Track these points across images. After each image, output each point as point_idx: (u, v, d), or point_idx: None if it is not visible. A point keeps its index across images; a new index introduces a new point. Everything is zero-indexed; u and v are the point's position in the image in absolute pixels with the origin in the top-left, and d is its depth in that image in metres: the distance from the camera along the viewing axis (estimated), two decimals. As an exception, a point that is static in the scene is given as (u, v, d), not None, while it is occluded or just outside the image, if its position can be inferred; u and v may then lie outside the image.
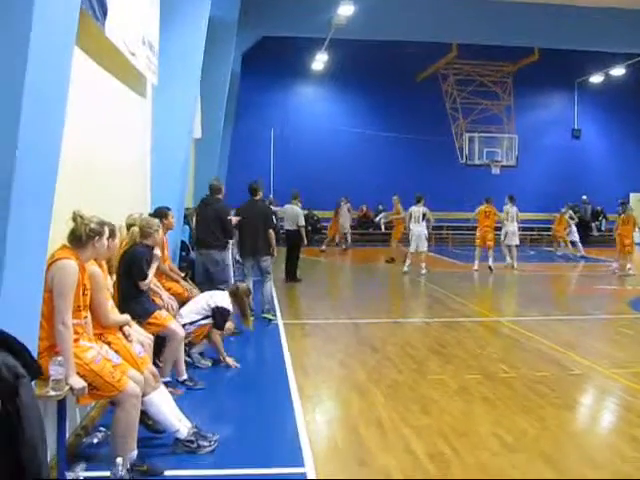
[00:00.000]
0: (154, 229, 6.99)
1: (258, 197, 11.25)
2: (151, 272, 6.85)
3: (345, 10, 19.17)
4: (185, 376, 6.96)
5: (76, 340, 4.39)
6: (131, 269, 6.65)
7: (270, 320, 10.67)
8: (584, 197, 29.86)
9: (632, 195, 30.73)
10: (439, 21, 21.69)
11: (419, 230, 17.61)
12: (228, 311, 7.94)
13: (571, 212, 23.35)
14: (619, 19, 21.82)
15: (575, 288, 15.56)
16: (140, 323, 6.28)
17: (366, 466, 5.03)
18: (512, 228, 18.93)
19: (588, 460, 5.26)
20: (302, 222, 15.34)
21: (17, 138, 3.27)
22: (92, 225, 4.58)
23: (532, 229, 28.85)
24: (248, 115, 26.45)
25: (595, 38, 22.86)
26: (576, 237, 22.80)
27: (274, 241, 10.91)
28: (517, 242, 19.12)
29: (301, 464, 5.01)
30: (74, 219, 4.55)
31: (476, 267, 17.95)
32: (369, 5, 19.76)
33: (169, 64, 9.65)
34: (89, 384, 4.33)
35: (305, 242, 15.33)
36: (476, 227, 18.87)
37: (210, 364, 7.88)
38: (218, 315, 7.80)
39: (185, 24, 10.13)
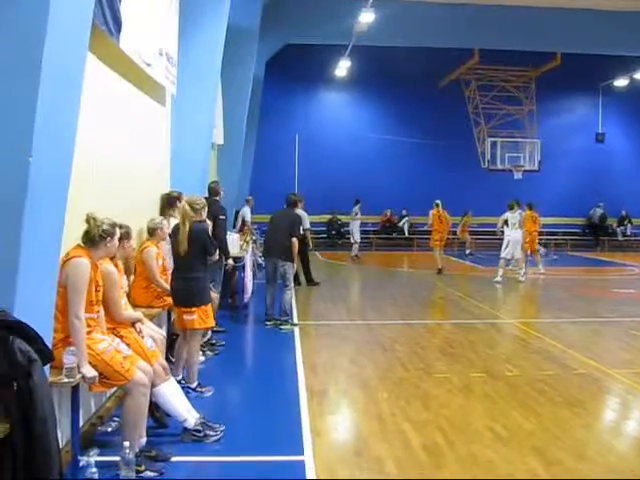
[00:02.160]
0: (201, 205, 7.16)
1: (293, 208, 11.64)
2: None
3: (366, 17, 19.42)
4: (196, 382, 6.99)
5: (89, 332, 4.73)
6: (197, 247, 6.83)
7: (285, 331, 10.53)
8: (600, 204, 29.95)
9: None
10: (460, 27, 21.97)
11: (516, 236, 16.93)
12: None
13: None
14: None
15: (592, 291, 15.64)
16: (192, 305, 6.72)
17: (362, 456, 5.31)
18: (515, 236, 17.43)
19: (579, 455, 5.46)
20: (307, 225, 15.56)
21: (31, 145, 3.60)
22: (104, 227, 4.92)
23: (556, 233, 28.87)
24: (272, 121, 26.81)
25: (618, 42, 22.98)
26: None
27: (295, 249, 11.09)
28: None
29: (301, 452, 5.31)
30: (87, 221, 4.91)
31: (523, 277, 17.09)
32: (390, 12, 20.04)
33: (188, 73, 10.02)
34: (100, 373, 4.68)
35: (310, 246, 15.50)
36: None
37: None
38: None
39: (204, 33, 10.47)
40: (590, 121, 30.84)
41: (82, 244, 4.89)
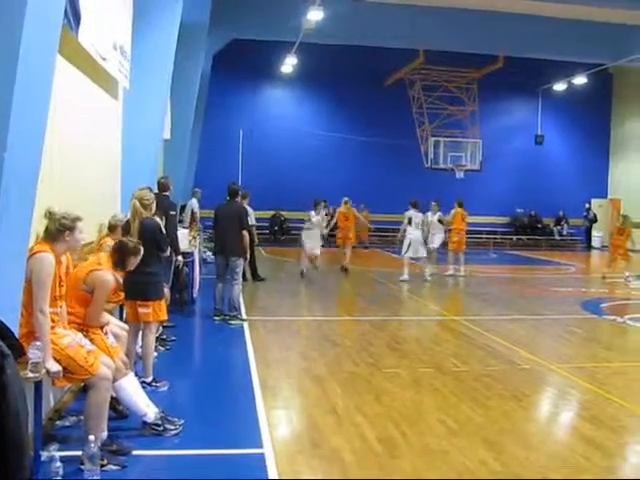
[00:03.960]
0: (150, 201, 7.26)
1: (237, 199, 11.50)
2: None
3: (314, 15, 19.57)
4: (151, 377, 7.01)
5: (52, 327, 4.75)
6: (148, 243, 6.70)
7: (233, 326, 10.63)
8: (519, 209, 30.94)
9: (593, 201, 31.57)
10: (407, 28, 22.30)
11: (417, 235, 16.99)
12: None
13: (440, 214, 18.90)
14: (582, 30, 22.69)
15: (531, 290, 16.07)
16: (148, 300, 6.80)
17: (319, 448, 5.44)
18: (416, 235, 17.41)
19: (526, 445, 5.73)
20: (253, 221, 15.57)
21: (6, 141, 3.62)
22: (62, 221, 4.91)
23: (495, 232, 29.54)
24: (217, 115, 26.71)
25: (558, 47, 23.68)
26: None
27: (247, 242, 11.17)
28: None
29: (260, 445, 5.41)
30: (45, 216, 4.91)
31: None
32: (338, 11, 20.25)
33: (140, 67, 9.98)
34: (64, 368, 4.71)
35: (256, 242, 15.43)
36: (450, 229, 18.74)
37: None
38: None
39: (157, 28, 10.48)
40: (530, 123, 31.59)
41: (44, 239, 4.89)
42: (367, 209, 25.42)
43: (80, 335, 5.09)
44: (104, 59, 7.94)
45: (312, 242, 17.12)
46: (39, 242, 4.85)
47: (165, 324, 9.80)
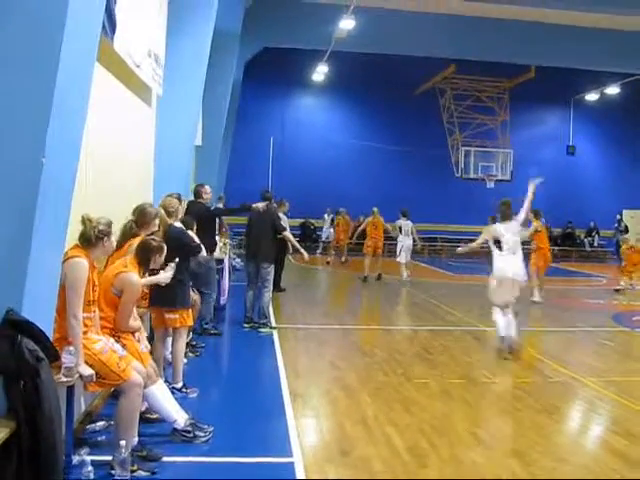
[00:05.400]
0: (175, 207, 7.33)
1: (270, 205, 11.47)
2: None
3: (346, 24, 19.64)
4: (181, 383, 7.03)
5: (85, 332, 4.78)
6: (174, 251, 6.59)
7: (264, 334, 10.62)
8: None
9: (625, 212, 31.18)
10: (438, 37, 22.28)
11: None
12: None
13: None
14: (614, 40, 22.47)
15: (563, 301, 15.90)
16: (174, 307, 6.79)
17: (348, 457, 5.42)
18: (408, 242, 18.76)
19: (555, 457, 5.66)
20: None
21: (44, 146, 3.67)
22: (100, 227, 4.94)
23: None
24: (248, 123, 26.86)
25: (591, 57, 23.53)
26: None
27: (293, 241, 11.59)
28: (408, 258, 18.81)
29: (289, 454, 5.41)
30: (83, 222, 4.92)
31: None
32: (370, 20, 20.28)
33: (174, 74, 10.07)
34: (96, 373, 4.74)
35: (291, 250, 15.38)
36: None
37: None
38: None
39: (190, 36, 10.56)
40: (561, 133, 31.37)
41: (79, 244, 4.93)
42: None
43: (112, 340, 5.12)
44: (138, 66, 8.01)
45: None
46: (73, 247, 4.89)
47: (213, 332, 9.94)
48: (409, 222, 18.79)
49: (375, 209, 19.38)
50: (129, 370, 4.91)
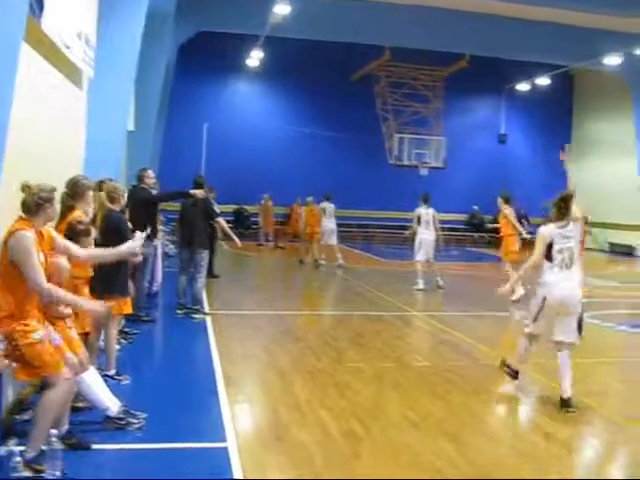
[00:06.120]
0: (120, 193, 7.18)
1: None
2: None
3: (281, 9, 19.52)
4: (114, 371, 6.95)
5: (26, 317, 4.64)
6: (111, 239, 6.35)
7: (197, 320, 10.57)
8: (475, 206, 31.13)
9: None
10: (374, 24, 22.38)
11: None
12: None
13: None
14: (545, 32, 22.93)
15: (493, 287, 16.18)
16: (108, 297, 6.50)
17: (283, 441, 5.45)
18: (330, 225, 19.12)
19: (488, 437, 5.83)
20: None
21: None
22: (41, 194, 4.76)
23: (457, 229, 29.77)
24: (182, 108, 26.45)
25: (522, 48, 24.01)
26: None
27: (227, 228, 11.56)
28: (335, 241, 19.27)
29: (223, 439, 5.41)
30: (23, 190, 4.74)
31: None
32: (306, 5, 20.20)
33: (105, 57, 9.87)
34: (28, 362, 4.61)
35: (220, 237, 15.31)
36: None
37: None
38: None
39: (122, 18, 10.35)
40: (493, 122, 31.93)
41: (23, 215, 4.74)
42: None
43: (51, 329, 4.94)
44: (68, 47, 7.84)
45: None
46: (17, 220, 4.71)
47: (145, 319, 9.83)
48: (332, 205, 19.21)
49: (310, 198, 19.77)
50: (61, 364, 4.77)
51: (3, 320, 4.57)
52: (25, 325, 4.64)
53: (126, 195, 7.60)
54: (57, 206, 5.04)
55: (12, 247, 4.55)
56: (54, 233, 5.09)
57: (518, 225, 14.36)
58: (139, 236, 5.86)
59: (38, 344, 4.65)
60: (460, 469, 5.05)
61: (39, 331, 4.71)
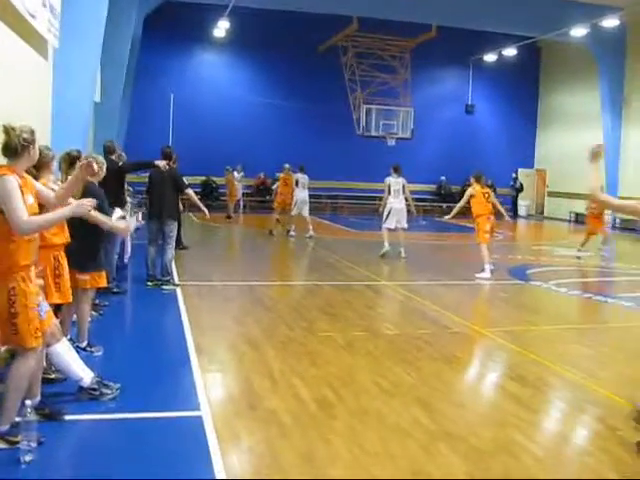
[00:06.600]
0: (99, 166, 7.05)
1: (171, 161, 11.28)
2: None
3: (248, -22, 19.35)
4: (86, 342, 6.95)
5: (27, 270, 4.58)
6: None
7: (167, 291, 10.56)
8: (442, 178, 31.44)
9: (520, 170, 32.31)
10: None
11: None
12: None
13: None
14: (512, 3, 23.03)
15: (461, 256, 16.40)
16: (82, 270, 6.55)
17: (256, 410, 5.51)
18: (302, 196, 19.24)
19: (456, 403, 5.95)
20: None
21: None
22: (24, 135, 4.61)
23: (425, 200, 29.94)
24: (149, 80, 26.15)
25: (490, 19, 24.12)
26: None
27: (196, 200, 11.33)
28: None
29: (197, 408, 5.46)
30: (6, 132, 4.58)
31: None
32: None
33: (70, 27, 9.73)
34: (13, 326, 4.52)
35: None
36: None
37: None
38: None
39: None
40: (461, 93, 32.04)
41: (6, 161, 4.61)
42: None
43: (42, 297, 4.91)
44: (33, 16, 7.71)
45: None
46: None
47: (116, 291, 9.82)
48: (306, 176, 19.27)
49: (287, 165, 19.91)
50: (40, 338, 4.74)
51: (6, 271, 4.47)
52: (27, 283, 4.56)
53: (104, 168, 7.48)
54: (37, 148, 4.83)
55: None
56: (34, 181, 4.93)
57: (501, 207, 14.46)
58: (118, 214, 5.83)
59: (30, 310, 4.57)
60: (430, 433, 5.16)
61: (38, 297, 4.66)
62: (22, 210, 4.42)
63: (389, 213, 15.46)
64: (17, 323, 4.55)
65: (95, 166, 5.05)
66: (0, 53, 6.93)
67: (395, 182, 15.56)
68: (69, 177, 6.55)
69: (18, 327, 4.56)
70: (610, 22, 22.84)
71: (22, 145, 4.59)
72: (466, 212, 14.09)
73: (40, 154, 5.99)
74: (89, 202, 4.78)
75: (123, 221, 5.79)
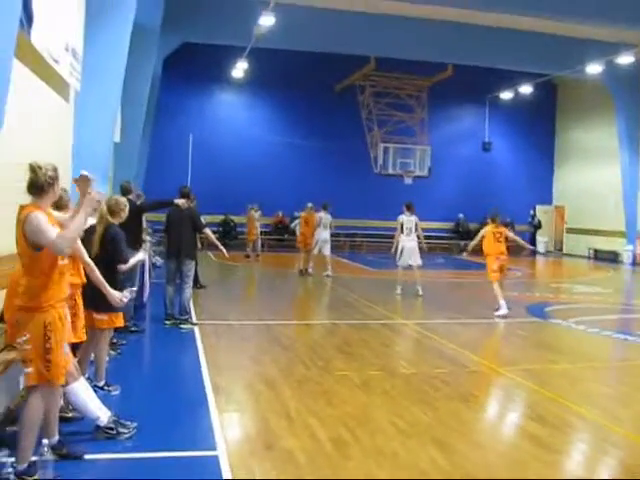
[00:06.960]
0: (121, 207, 7.22)
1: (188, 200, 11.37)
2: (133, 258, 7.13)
3: (266, 20, 19.63)
4: (103, 381, 7.00)
5: (63, 303, 4.76)
6: (108, 251, 6.71)
7: (185, 330, 10.61)
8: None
9: (538, 207, 32.27)
10: (358, 34, 22.60)
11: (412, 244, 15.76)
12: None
13: None
14: (528, 41, 23.31)
15: (479, 294, 16.33)
16: (99, 311, 6.64)
17: (272, 449, 5.50)
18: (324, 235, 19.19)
19: (473, 443, 5.90)
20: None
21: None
22: (50, 173, 4.72)
23: (442, 237, 29.93)
24: (168, 119, 26.52)
25: (506, 57, 24.36)
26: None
27: (214, 239, 11.53)
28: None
29: (213, 448, 5.46)
30: (33, 170, 4.69)
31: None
32: (290, 16, 20.34)
33: (92, 69, 9.94)
34: (46, 360, 4.62)
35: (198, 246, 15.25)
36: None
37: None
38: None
39: (109, 30, 10.43)
40: (478, 130, 32.16)
41: (31, 198, 4.72)
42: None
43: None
44: (56, 61, 7.89)
45: None
46: (19, 208, 4.68)
47: (134, 329, 9.97)
48: (329, 216, 19.22)
49: (309, 204, 19.80)
50: (64, 374, 4.82)
51: (32, 311, 4.55)
52: (62, 320, 4.65)
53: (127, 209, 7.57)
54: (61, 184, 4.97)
55: (28, 230, 4.53)
56: (55, 213, 5.06)
57: (521, 240, 14.96)
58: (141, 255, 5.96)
59: (63, 347, 4.65)
60: (447, 474, 5.12)
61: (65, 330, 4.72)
62: (52, 230, 4.53)
63: (401, 252, 15.51)
64: (51, 359, 4.62)
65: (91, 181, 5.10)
66: (24, 96, 7.06)
67: (408, 220, 15.64)
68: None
69: (51, 363, 4.63)
70: (625, 59, 22.90)
71: (48, 183, 4.70)
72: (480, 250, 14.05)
73: (61, 198, 6.15)
74: (96, 194, 4.83)
75: (121, 294, 6.07)
